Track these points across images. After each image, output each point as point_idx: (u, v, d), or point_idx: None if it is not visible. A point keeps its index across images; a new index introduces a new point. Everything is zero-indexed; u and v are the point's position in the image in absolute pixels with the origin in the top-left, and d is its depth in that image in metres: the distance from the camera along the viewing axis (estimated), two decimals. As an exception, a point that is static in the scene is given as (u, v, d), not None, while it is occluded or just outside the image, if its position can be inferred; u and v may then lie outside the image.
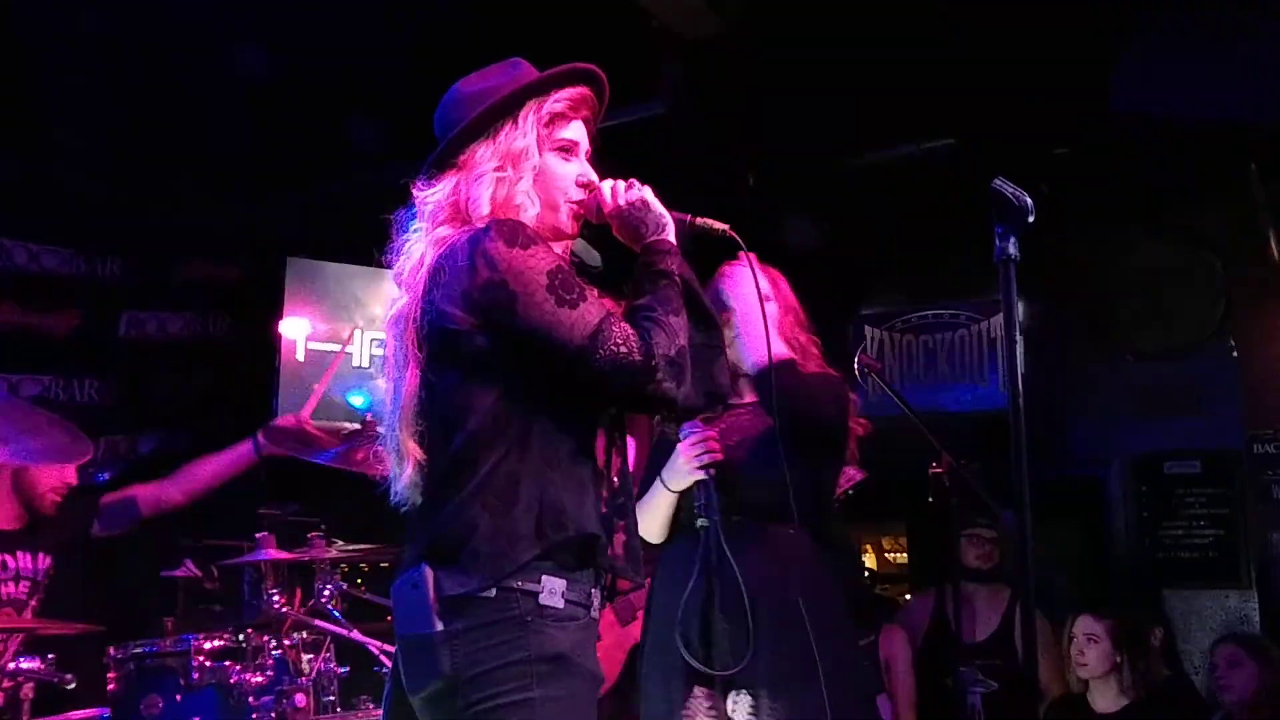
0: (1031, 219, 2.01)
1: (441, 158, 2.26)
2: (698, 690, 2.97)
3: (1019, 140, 5.33)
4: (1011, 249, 2.04)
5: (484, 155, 2.22)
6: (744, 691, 2.91)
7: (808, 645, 2.91)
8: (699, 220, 2.37)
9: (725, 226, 2.39)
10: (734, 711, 2.91)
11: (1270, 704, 4.29)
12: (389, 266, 2.31)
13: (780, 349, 3.06)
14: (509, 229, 2.09)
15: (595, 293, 2.16)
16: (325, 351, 5.79)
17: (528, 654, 1.99)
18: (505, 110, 2.23)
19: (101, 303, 6.17)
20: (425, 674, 2.04)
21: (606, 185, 2.30)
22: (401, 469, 2.19)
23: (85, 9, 4.50)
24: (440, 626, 2.01)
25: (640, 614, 4.85)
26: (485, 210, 2.18)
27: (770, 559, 2.96)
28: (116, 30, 4.59)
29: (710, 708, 2.95)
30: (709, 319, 2.28)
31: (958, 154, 5.24)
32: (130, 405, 6.26)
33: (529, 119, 2.24)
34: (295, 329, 5.69)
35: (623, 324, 2.07)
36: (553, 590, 2.04)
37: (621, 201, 2.27)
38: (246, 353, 6.27)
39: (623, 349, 2.03)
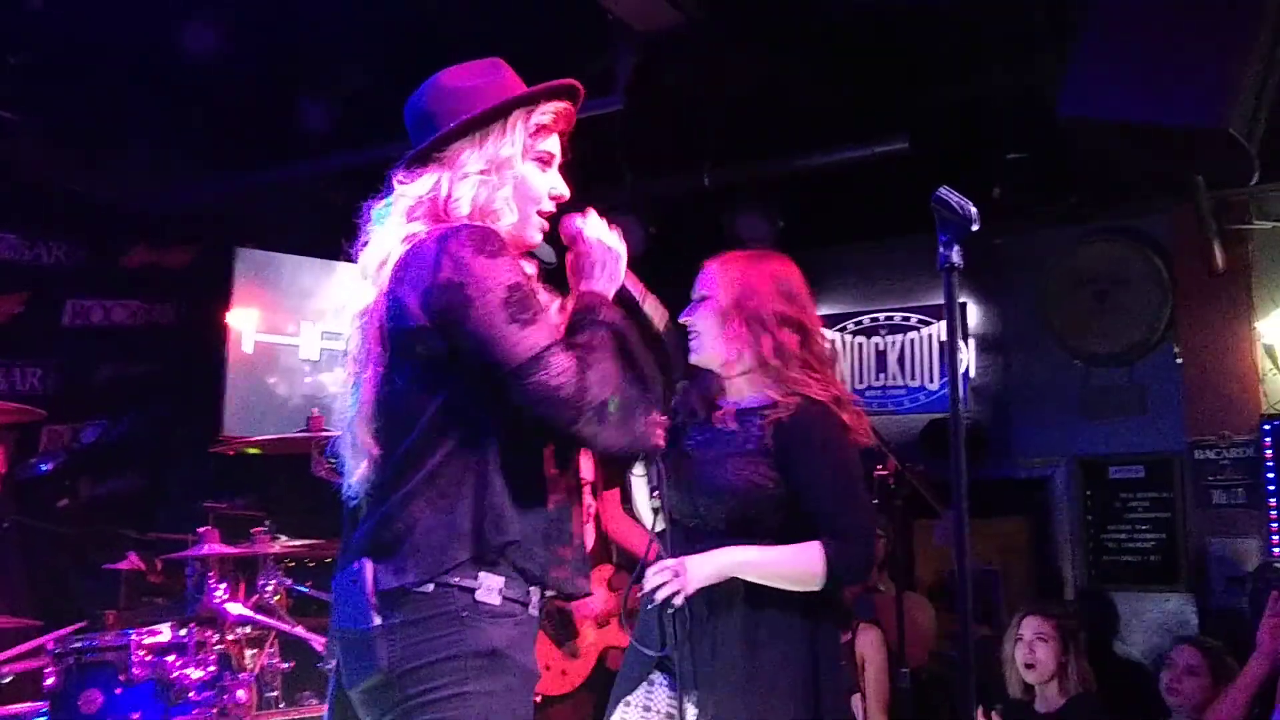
0: (975, 227, 2.02)
1: (426, 151, 2.25)
2: (660, 675, 2.92)
3: (971, 145, 5.38)
4: (955, 256, 2.06)
5: (470, 156, 2.21)
6: (693, 691, 2.83)
7: (755, 656, 2.80)
8: (646, 305, 2.42)
9: (664, 328, 2.46)
10: (686, 706, 2.84)
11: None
12: (343, 259, 2.31)
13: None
14: (479, 235, 2.09)
15: (550, 315, 2.16)
16: (273, 343, 5.73)
17: (463, 649, 2.02)
18: (497, 115, 2.24)
19: (45, 289, 6.07)
20: (363, 667, 2.06)
21: (595, 216, 2.33)
22: (356, 464, 2.19)
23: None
24: (378, 621, 2.03)
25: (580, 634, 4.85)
26: (465, 211, 2.18)
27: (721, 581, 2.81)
28: (62, 10, 4.51)
29: (670, 698, 2.90)
30: (642, 376, 2.26)
31: (911, 157, 5.27)
32: (73, 394, 6.16)
33: (517, 127, 2.24)
34: (243, 320, 5.63)
35: (567, 355, 2.06)
36: (489, 587, 2.05)
37: (606, 241, 2.30)
38: (193, 343, 6.20)
39: (556, 380, 2.02)
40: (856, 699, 4.77)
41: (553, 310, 2.24)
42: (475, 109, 2.22)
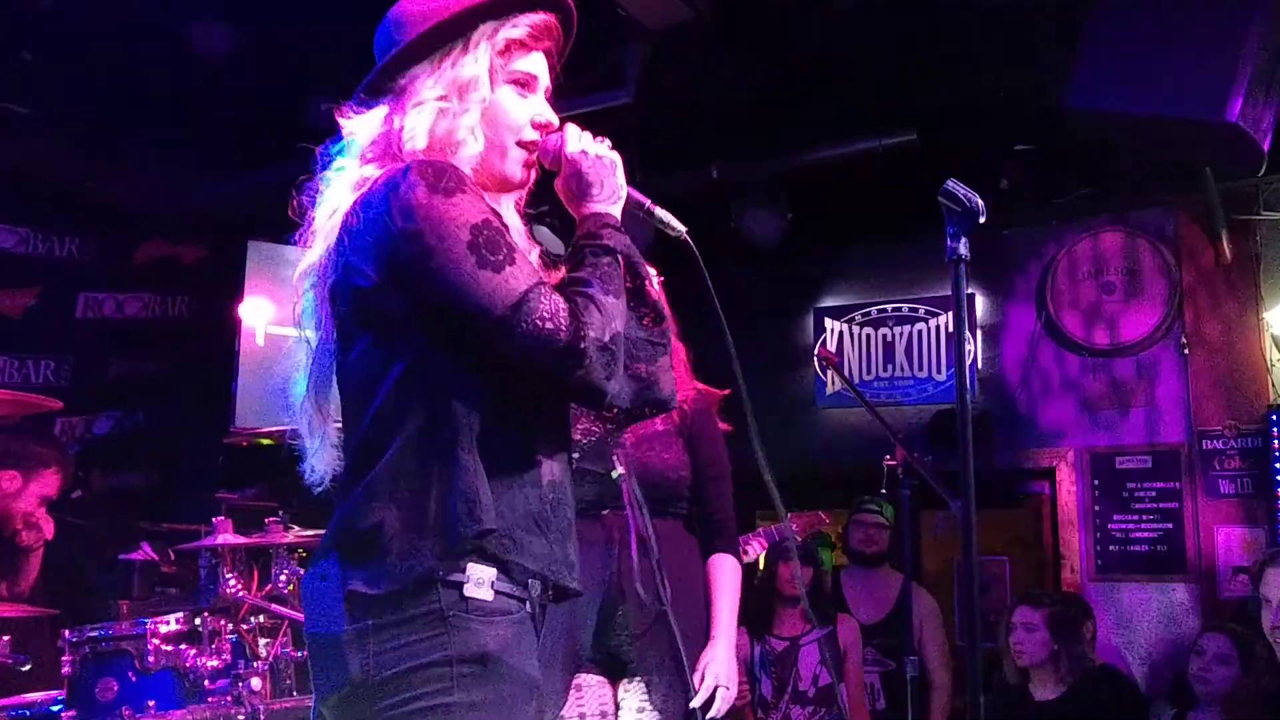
0: (982, 220, 2.03)
1: (377, 82, 1.95)
2: (587, 677, 2.97)
3: (979, 136, 5.39)
4: (962, 249, 2.06)
5: (425, 82, 1.91)
6: (637, 679, 2.94)
7: (701, 635, 2.96)
8: (658, 210, 2.07)
9: (685, 230, 2.09)
10: (624, 698, 2.94)
11: (1244, 703, 4.28)
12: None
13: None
14: (433, 171, 1.79)
15: (527, 256, 1.86)
16: (286, 336, 5.76)
17: (448, 654, 1.74)
18: (455, 31, 1.92)
19: (59, 283, 6.12)
20: (332, 678, 1.79)
21: (574, 128, 2.00)
22: (313, 443, 1.95)
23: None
24: (348, 625, 1.75)
25: None
26: (421, 145, 1.89)
27: (668, 552, 2.95)
28: (74, 7, 4.54)
29: (600, 694, 2.97)
30: (655, 310, 1.98)
31: (919, 150, 5.29)
32: (86, 387, 6.21)
33: (481, 44, 1.92)
34: (256, 313, 5.66)
35: (554, 296, 1.76)
36: (480, 580, 1.77)
37: (590, 151, 1.96)
38: (205, 335, 6.24)
39: (548, 325, 1.73)
40: (843, 687, 4.84)
41: (533, 257, 1.96)
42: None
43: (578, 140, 1.98)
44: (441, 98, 1.91)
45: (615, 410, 1.89)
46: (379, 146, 1.92)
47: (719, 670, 2.91)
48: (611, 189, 1.96)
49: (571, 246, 1.91)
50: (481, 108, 1.92)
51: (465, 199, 1.78)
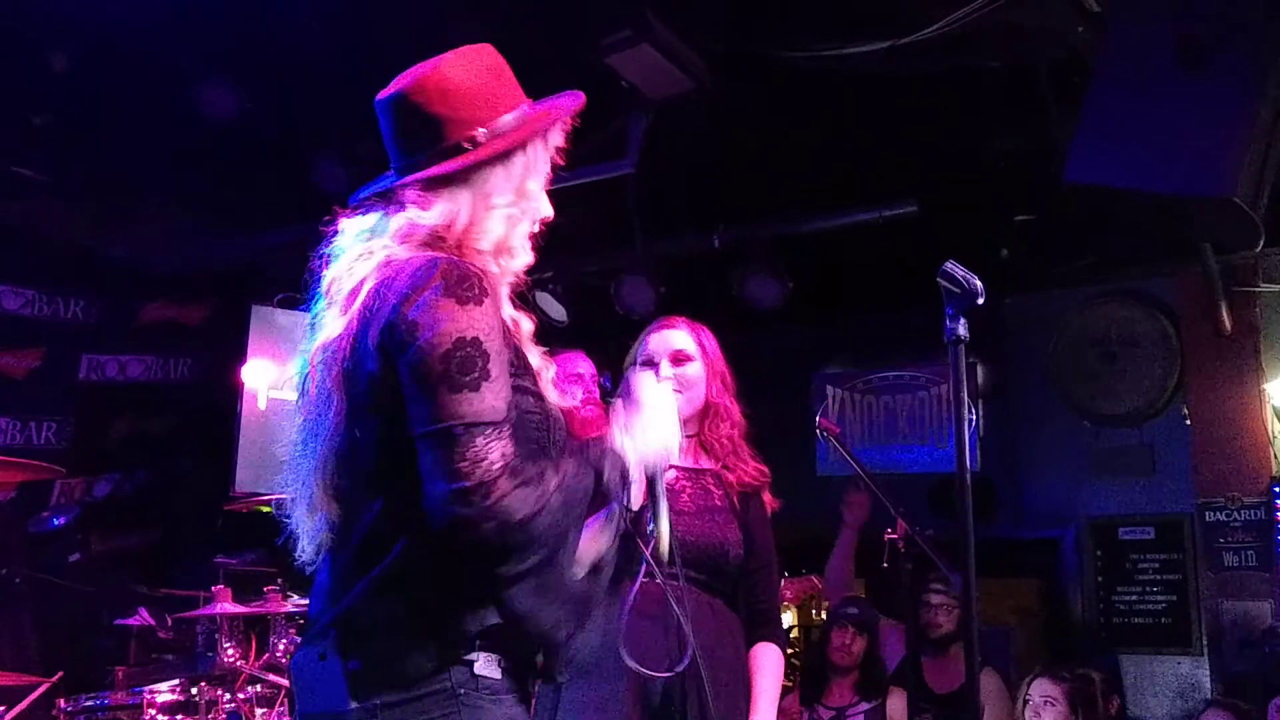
0: (980, 301, 2.03)
1: (455, 174, 1.91)
2: None
3: (979, 205, 5.43)
4: (961, 329, 2.06)
5: (499, 184, 1.92)
6: None
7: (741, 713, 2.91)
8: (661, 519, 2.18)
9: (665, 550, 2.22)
10: None
11: None
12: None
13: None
14: (457, 275, 1.77)
15: (505, 390, 1.77)
16: (287, 401, 5.76)
17: None
18: (529, 138, 1.95)
19: (62, 344, 6.13)
20: None
21: (650, 378, 2.12)
22: (311, 522, 1.88)
23: (53, 51, 4.51)
24: (354, 704, 1.72)
25: None
26: (487, 247, 1.90)
27: (714, 623, 2.90)
28: (83, 71, 4.60)
29: None
30: (597, 565, 1.95)
31: (919, 219, 5.33)
32: (88, 448, 6.20)
33: (538, 152, 1.97)
34: (258, 376, 5.67)
35: (507, 445, 1.70)
36: (489, 658, 1.77)
37: (661, 406, 2.05)
38: (207, 398, 6.24)
39: (467, 468, 1.66)
40: None
41: (546, 375, 1.94)
42: (494, 117, 1.93)
43: (656, 391, 2.06)
44: (512, 203, 1.93)
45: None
46: (425, 232, 1.90)
47: None
48: (648, 444, 1.99)
49: (580, 443, 1.92)
50: (532, 216, 1.97)
51: (476, 311, 1.75)
